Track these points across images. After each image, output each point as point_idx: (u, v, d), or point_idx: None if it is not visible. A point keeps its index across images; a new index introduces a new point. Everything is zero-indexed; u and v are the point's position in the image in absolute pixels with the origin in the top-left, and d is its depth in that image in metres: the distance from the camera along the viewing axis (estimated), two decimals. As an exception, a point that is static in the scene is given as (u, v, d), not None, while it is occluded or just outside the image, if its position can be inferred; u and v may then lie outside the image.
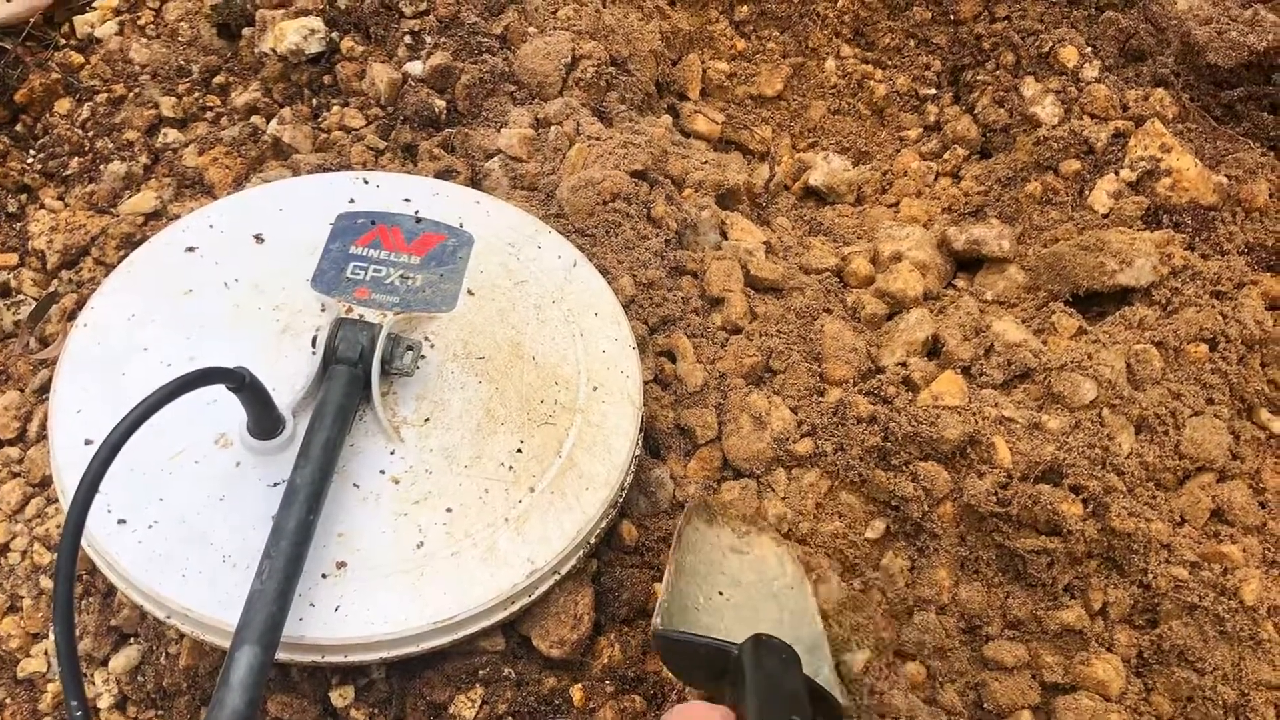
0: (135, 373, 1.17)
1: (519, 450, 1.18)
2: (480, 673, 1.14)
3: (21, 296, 1.57)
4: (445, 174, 1.56)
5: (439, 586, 1.07)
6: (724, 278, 1.50)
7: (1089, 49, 1.82)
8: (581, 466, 1.18)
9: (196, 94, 1.81)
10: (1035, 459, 1.27)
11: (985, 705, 1.25)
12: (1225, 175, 1.60)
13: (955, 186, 1.83)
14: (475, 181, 1.58)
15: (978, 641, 1.28)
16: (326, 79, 1.77)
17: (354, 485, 1.12)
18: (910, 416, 1.30)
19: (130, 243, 1.57)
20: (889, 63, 2.05)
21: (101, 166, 1.70)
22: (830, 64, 2.04)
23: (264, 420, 1.08)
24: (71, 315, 1.50)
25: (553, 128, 1.63)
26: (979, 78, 1.92)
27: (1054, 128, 1.73)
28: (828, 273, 1.60)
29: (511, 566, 1.09)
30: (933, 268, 1.59)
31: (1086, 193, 1.64)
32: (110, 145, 1.73)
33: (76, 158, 1.73)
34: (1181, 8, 1.80)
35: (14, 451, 1.39)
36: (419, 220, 1.36)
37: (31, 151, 1.77)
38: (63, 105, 1.81)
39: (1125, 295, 1.50)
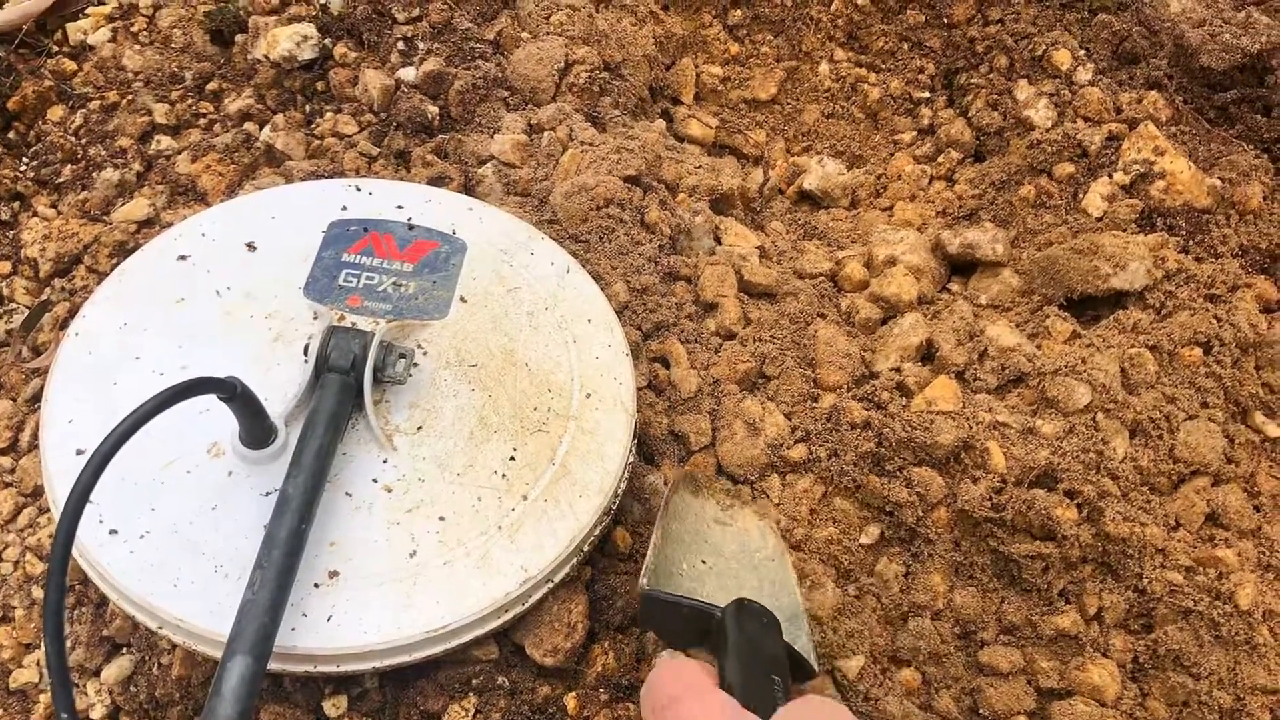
0: (127, 382, 1.16)
1: (512, 458, 1.18)
2: (474, 681, 1.13)
3: (14, 305, 1.57)
4: (438, 180, 1.56)
5: (432, 595, 1.06)
6: (718, 283, 1.50)
7: (1082, 52, 1.82)
8: (575, 474, 1.18)
9: (190, 100, 1.81)
10: (1029, 464, 1.27)
11: (981, 711, 1.25)
12: (1219, 178, 1.60)
13: (949, 190, 1.83)
14: (468, 188, 1.58)
15: (973, 647, 1.28)
16: (319, 85, 1.77)
17: (346, 494, 1.11)
18: (904, 422, 1.30)
19: (123, 251, 1.57)
20: (882, 66, 2.05)
21: (94, 174, 1.70)
22: (824, 68, 2.04)
23: (256, 429, 1.08)
24: (64, 324, 1.50)
25: (546, 133, 1.63)
26: (973, 81, 1.92)
27: (1047, 131, 1.73)
28: (822, 277, 1.60)
29: (505, 575, 1.09)
30: (927, 272, 1.59)
31: (1080, 196, 1.64)
32: (103, 152, 1.73)
33: (69, 165, 1.73)
34: (1175, 10, 1.80)
35: (6, 461, 1.39)
36: (411, 227, 1.35)
37: (24, 159, 1.76)
38: (56, 112, 1.81)
39: (1119, 299, 1.50)
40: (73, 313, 1.50)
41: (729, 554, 1.21)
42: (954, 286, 1.65)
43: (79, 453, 1.10)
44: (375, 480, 1.13)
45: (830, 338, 1.45)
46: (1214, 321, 1.41)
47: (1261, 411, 1.42)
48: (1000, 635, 1.28)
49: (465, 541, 1.10)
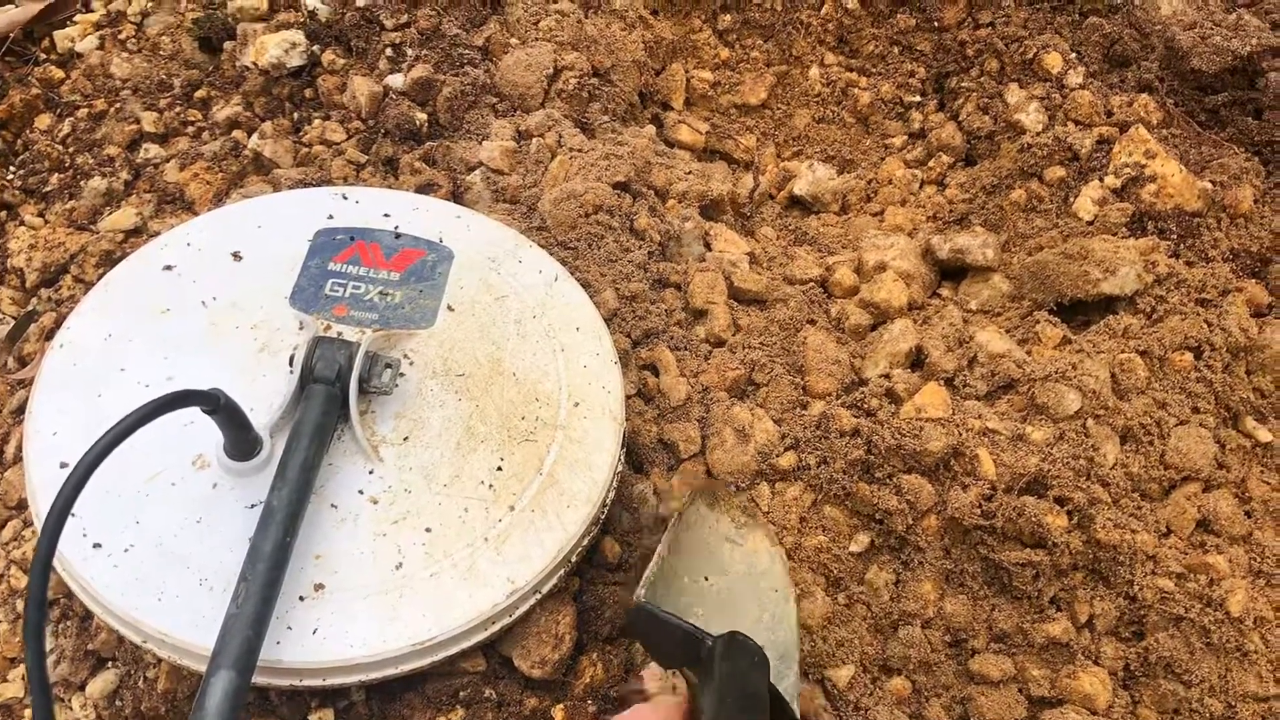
0: (112, 394, 1.16)
1: (499, 468, 1.17)
2: (461, 694, 1.13)
3: (0, 315, 1.56)
4: (426, 188, 1.55)
5: (418, 608, 1.06)
6: (707, 290, 1.49)
7: (1073, 55, 1.81)
8: (563, 484, 1.17)
9: (178, 108, 1.80)
10: (1019, 471, 1.26)
11: (972, 719, 1.24)
12: (1210, 181, 1.60)
13: (940, 194, 1.83)
14: (457, 195, 1.58)
15: (963, 655, 1.27)
16: (308, 92, 1.77)
17: (332, 506, 1.11)
18: (893, 429, 1.30)
19: (110, 260, 1.56)
20: (873, 70, 2.04)
21: (82, 182, 1.69)
22: (814, 72, 2.04)
23: (241, 441, 1.07)
24: (50, 334, 1.49)
25: (534, 140, 1.63)
26: (963, 84, 1.91)
27: (1038, 134, 1.72)
28: (812, 283, 1.60)
29: (492, 586, 1.09)
30: (917, 277, 1.59)
31: (1071, 200, 1.64)
32: (91, 161, 1.72)
33: (57, 174, 1.72)
34: (1165, 13, 1.80)
35: (-8, 473, 1.38)
36: (398, 236, 1.35)
37: (11, 168, 1.76)
38: (43, 121, 1.80)
39: (1110, 304, 1.49)
40: (59, 323, 1.49)
41: (734, 574, 1.19)
42: (944, 291, 1.64)
43: (63, 465, 1.09)
44: (361, 492, 1.12)
45: (820, 344, 1.45)
46: (1205, 326, 1.41)
47: (1253, 416, 1.41)
48: (991, 643, 1.27)
49: (452, 553, 1.10)
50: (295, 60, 1.76)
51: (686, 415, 1.37)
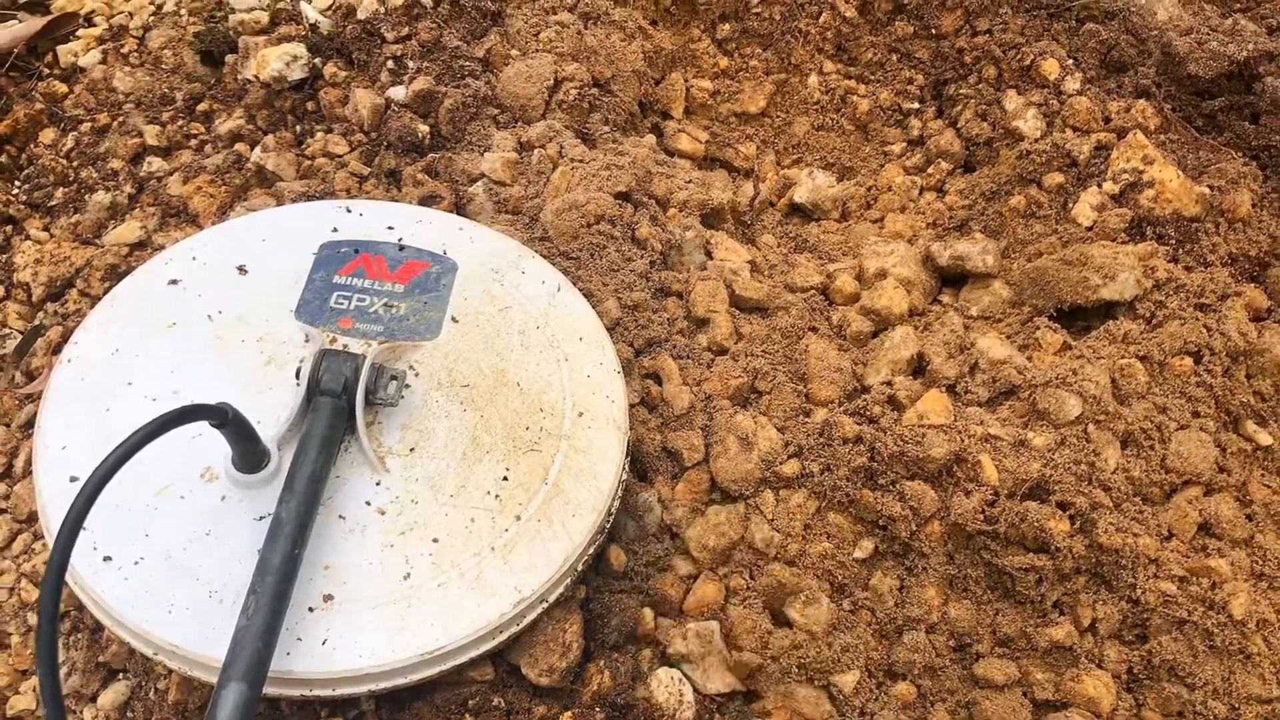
0: (120, 408, 1.17)
1: (505, 478, 1.18)
2: (470, 703, 1.14)
3: (7, 330, 1.57)
4: (429, 199, 1.56)
5: (426, 618, 1.07)
6: (709, 298, 1.50)
7: (1070, 61, 1.82)
8: (568, 493, 1.18)
9: (180, 122, 1.81)
10: (1021, 476, 1.27)
11: (977, 724, 1.25)
12: (1208, 186, 1.61)
13: (939, 201, 1.84)
14: (459, 206, 1.58)
15: (968, 660, 1.28)
16: (310, 105, 1.78)
17: (340, 517, 1.12)
18: (896, 436, 1.30)
19: (115, 274, 1.57)
20: (871, 78, 2.06)
21: (86, 196, 1.70)
22: (813, 80, 2.05)
23: (248, 454, 1.08)
24: (57, 349, 1.50)
25: (536, 151, 1.64)
26: (961, 91, 1.92)
27: (1036, 141, 1.73)
28: (813, 290, 1.61)
29: (499, 596, 1.09)
30: (917, 284, 1.60)
31: (1070, 205, 1.65)
32: (95, 175, 1.73)
33: (61, 188, 1.73)
34: (1162, 19, 1.81)
35: (1, 487, 1.39)
36: (402, 248, 1.36)
37: (16, 182, 1.77)
38: (47, 135, 1.81)
39: (1109, 309, 1.50)
40: (66, 337, 1.50)
41: None
42: (945, 298, 1.65)
43: (72, 479, 1.10)
44: (369, 503, 1.13)
45: (821, 352, 1.46)
46: (1204, 330, 1.42)
47: (1253, 420, 1.42)
48: (995, 648, 1.28)
49: (459, 563, 1.10)
50: (297, 73, 1.77)
51: (690, 423, 1.38)
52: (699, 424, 1.38)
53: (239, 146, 1.75)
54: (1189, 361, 1.40)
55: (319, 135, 1.72)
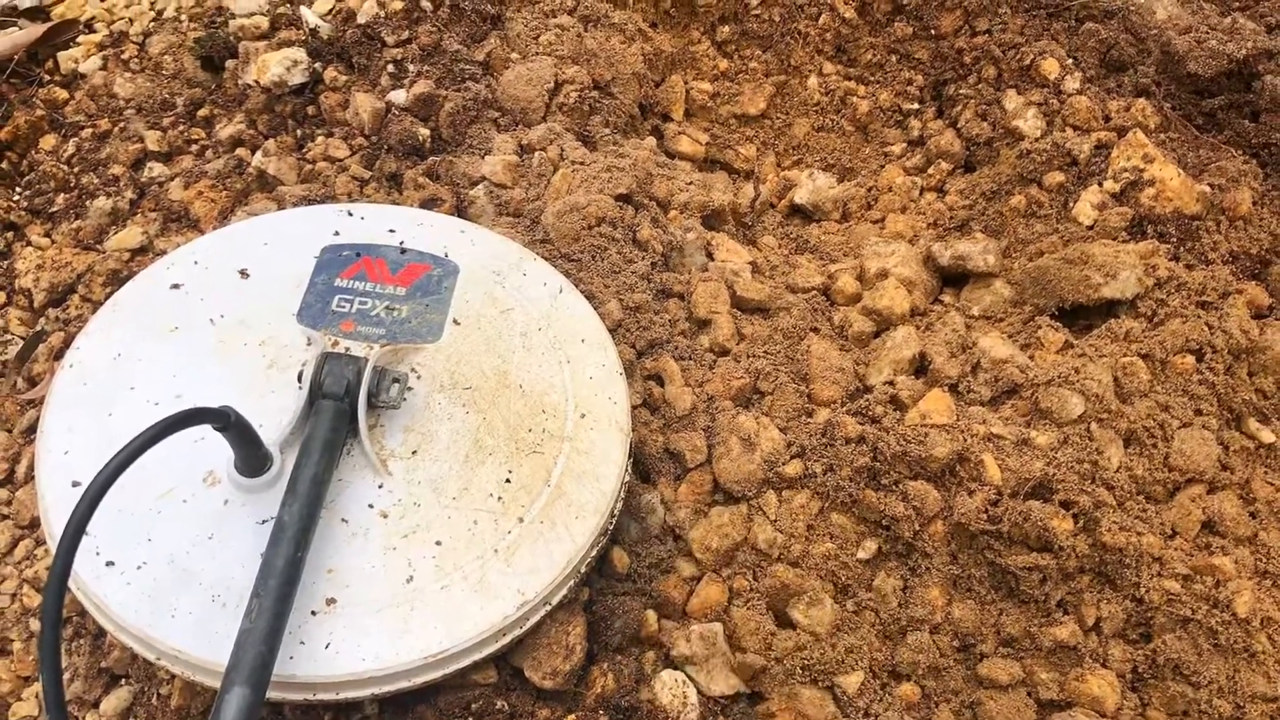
0: (122, 412, 1.16)
1: (507, 480, 1.18)
2: (473, 706, 1.13)
3: (9, 336, 1.57)
4: (430, 203, 1.56)
5: (429, 621, 1.06)
6: (710, 299, 1.50)
7: (1070, 61, 1.82)
8: (570, 495, 1.18)
9: (181, 127, 1.81)
10: (1024, 475, 1.27)
11: (981, 724, 1.25)
12: (1208, 184, 1.61)
13: (940, 201, 1.84)
14: (460, 209, 1.59)
15: (972, 660, 1.27)
16: (310, 110, 1.78)
17: (342, 520, 1.11)
18: (899, 436, 1.30)
19: (117, 279, 1.57)
20: (871, 79, 2.06)
21: (87, 202, 1.70)
22: (813, 81, 2.05)
23: (251, 458, 1.08)
24: (59, 354, 1.50)
25: (537, 153, 1.64)
26: (961, 91, 1.92)
27: (1037, 140, 1.73)
28: (814, 291, 1.61)
29: (502, 598, 1.09)
30: (919, 284, 1.60)
31: (1070, 204, 1.65)
32: (96, 180, 1.73)
33: (62, 194, 1.73)
34: (1161, 18, 1.81)
35: (3, 493, 1.39)
36: (404, 251, 1.36)
37: (17, 189, 1.77)
38: (48, 141, 1.82)
39: (1111, 308, 1.50)
40: (67, 343, 1.50)
41: None
42: (946, 298, 1.65)
43: (75, 485, 1.10)
44: (371, 506, 1.13)
45: (823, 352, 1.46)
46: (1206, 328, 1.42)
47: (1255, 417, 1.42)
48: (999, 647, 1.28)
49: (462, 566, 1.10)
50: (297, 78, 1.77)
51: (692, 425, 1.38)
52: (701, 425, 1.38)
53: (240, 151, 1.76)
54: (1191, 359, 1.40)
55: (320, 139, 1.72)
